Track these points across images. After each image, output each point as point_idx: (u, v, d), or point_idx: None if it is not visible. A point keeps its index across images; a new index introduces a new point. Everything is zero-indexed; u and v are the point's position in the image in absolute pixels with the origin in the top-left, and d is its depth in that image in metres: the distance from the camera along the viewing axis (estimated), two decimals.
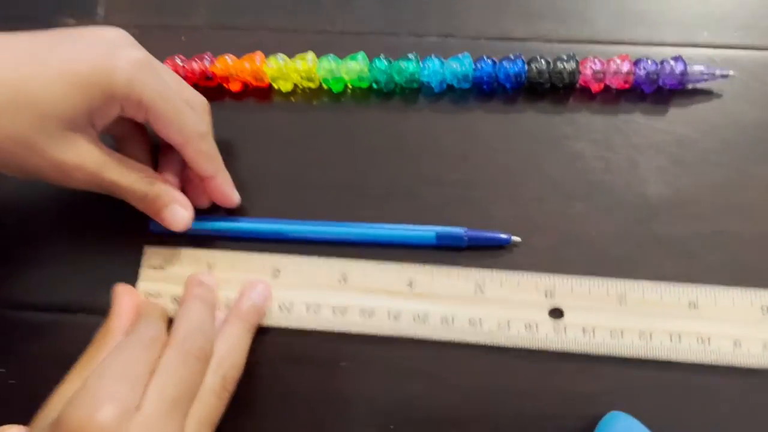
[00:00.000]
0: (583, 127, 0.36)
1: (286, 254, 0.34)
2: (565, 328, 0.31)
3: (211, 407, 0.28)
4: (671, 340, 0.30)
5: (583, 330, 0.30)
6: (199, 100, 0.33)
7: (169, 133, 0.31)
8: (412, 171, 0.35)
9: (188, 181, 0.34)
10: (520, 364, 0.32)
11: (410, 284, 0.32)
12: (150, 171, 0.32)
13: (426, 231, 0.33)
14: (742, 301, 0.31)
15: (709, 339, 0.30)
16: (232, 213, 0.35)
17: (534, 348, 0.31)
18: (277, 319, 0.32)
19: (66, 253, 0.35)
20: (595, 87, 0.36)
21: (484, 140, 0.36)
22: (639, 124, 0.35)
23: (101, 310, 0.32)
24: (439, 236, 0.33)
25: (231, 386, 0.29)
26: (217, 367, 0.28)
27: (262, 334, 0.32)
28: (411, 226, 0.33)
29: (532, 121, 0.36)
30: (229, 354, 0.29)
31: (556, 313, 0.31)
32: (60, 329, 0.34)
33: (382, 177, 0.35)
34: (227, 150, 0.36)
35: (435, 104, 0.37)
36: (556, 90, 0.36)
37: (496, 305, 0.31)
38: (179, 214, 0.32)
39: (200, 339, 0.28)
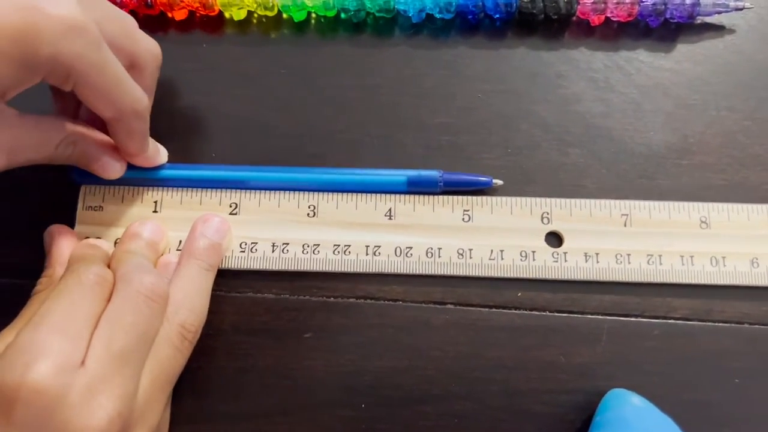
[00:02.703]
0: (581, 66, 0.32)
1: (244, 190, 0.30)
2: (565, 255, 0.28)
3: (168, 361, 0.24)
4: (683, 263, 0.28)
5: (585, 255, 0.28)
6: (150, 55, 0.27)
7: (98, 107, 0.25)
8: (387, 115, 0.31)
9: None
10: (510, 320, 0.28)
11: (390, 215, 0.29)
12: (68, 126, 0.26)
13: (396, 175, 0.29)
14: (757, 216, 0.29)
15: (723, 259, 0.28)
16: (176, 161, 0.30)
17: (531, 277, 0.28)
18: (238, 260, 0.29)
19: None
20: (595, 19, 0.32)
21: (469, 80, 0.32)
22: (643, 63, 0.32)
23: (25, 272, 0.27)
24: (411, 181, 0.29)
25: (192, 335, 0.25)
26: (173, 314, 0.25)
27: (213, 300, 0.28)
28: (378, 171, 0.29)
29: (523, 58, 0.32)
30: (186, 298, 0.25)
31: (555, 238, 0.29)
32: None
33: (353, 122, 0.31)
34: (171, 90, 0.31)
35: (412, 38, 0.32)
36: (550, 23, 0.32)
37: (487, 234, 0.29)
38: (111, 166, 0.28)
39: (148, 277, 0.24)
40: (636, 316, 0.28)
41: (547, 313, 0.28)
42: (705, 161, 0.30)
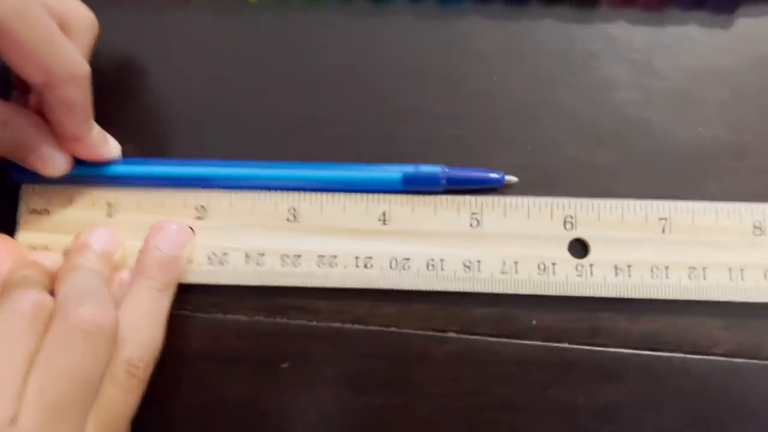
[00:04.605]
0: (618, 44, 0.28)
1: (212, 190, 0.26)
2: (591, 267, 0.25)
3: (115, 404, 0.22)
4: (731, 277, 0.25)
5: (615, 268, 0.25)
6: (84, 19, 0.25)
7: (27, 68, 0.22)
8: (386, 101, 0.27)
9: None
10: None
11: (383, 219, 0.26)
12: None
13: (390, 171, 0.26)
14: None
15: None
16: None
17: (551, 294, 0.25)
18: (206, 274, 0.26)
19: None
20: None
21: (483, 60, 0.28)
22: (694, 41, 0.28)
23: None
24: (408, 178, 0.26)
25: (142, 372, 0.22)
26: (118, 346, 0.22)
27: (176, 321, 0.25)
28: (370, 166, 0.26)
29: (548, 33, 0.28)
30: (134, 327, 0.23)
31: (580, 247, 0.26)
32: None
33: (344, 109, 0.27)
34: (123, 69, 0.28)
35: (418, 7, 0.28)
36: None
37: (498, 242, 0.26)
38: (51, 159, 0.24)
39: (90, 307, 0.21)
40: (670, 350, 0.25)
41: (566, 345, 0.25)
42: (765, 164, 0.26)
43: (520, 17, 0.28)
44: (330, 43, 0.28)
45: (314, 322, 0.25)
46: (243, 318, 0.25)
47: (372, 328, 0.25)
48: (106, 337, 0.21)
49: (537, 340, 0.25)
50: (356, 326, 0.25)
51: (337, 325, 0.25)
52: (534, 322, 0.25)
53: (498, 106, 0.27)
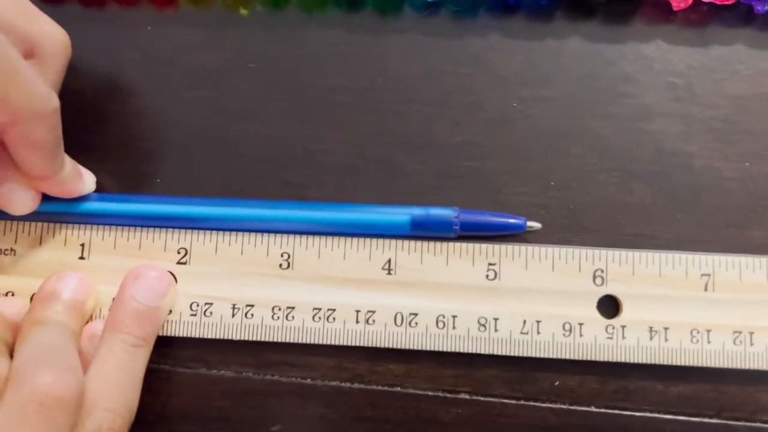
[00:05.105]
0: (656, 66, 0.25)
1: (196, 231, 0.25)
2: (623, 329, 0.23)
3: None
4: None
5: (650, 330, 0.23)
6: (55, 42, 0.23)
7: None
8: (389, 129, 0.25)
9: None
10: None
11: (389, 268, 0.24)
12: None
13: (396, 214, 0.24)
14: None
15: None
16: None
17: (577, 359, 0.23)
18: (188, 326, 0.24)
19: None
20: (679, 0, 0.24)
21: (501, 82, 0.25)
22: (743, 64, 0.25)
23: None
24: (417, 221, 0.23)
25: None
26: (84, 416, 0.20)
27: (155, 376, 0.23)
28: (374, 207, 0.24)
29: (576, 52, 0.25)
30: (105, 391, 0.21)
31: (611, 305, 0.23)
32: None
33: (345, 137, 0.25)
34: (101, 91, 0.26)
35: (428, 22, 0.26)
36: (615, 2, 0.25)
37: (518, 298, 0.23)
38: (16, 197, 0.22)
39: (48, 374, 0.19)
40: (710, 416, 0.23)
41: (593, 408, 0.23)
42: None
43: (543, 35, 0.25)
44: (330, 62, 0.25)
45: (309, 380, 0.24)
46: (229, 374, 0.24)
47: (374, 387, 0.23)
48: (65, 409, 0.19)
49: (560, 402, 0.23)
50: (356, 385, 0.23)
51: (335, 383, 0.24)
52: (557, 382, 0.23)
53: (518, 135, 0.25)
